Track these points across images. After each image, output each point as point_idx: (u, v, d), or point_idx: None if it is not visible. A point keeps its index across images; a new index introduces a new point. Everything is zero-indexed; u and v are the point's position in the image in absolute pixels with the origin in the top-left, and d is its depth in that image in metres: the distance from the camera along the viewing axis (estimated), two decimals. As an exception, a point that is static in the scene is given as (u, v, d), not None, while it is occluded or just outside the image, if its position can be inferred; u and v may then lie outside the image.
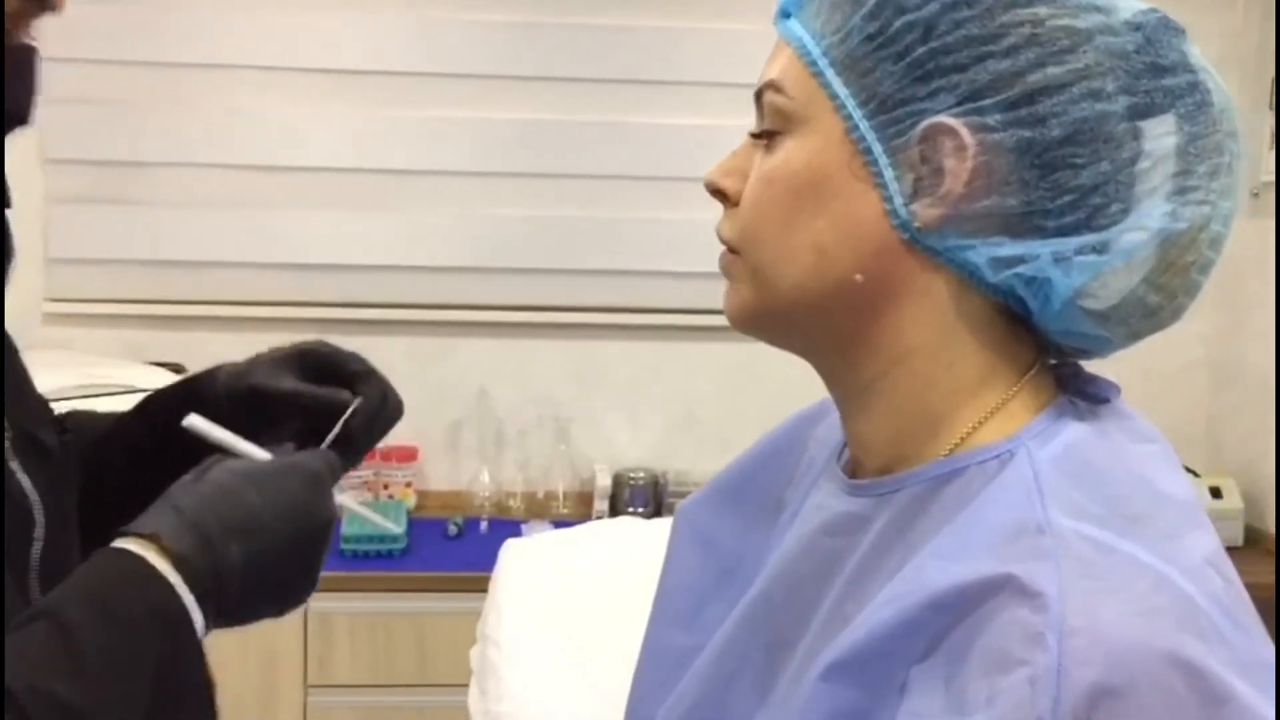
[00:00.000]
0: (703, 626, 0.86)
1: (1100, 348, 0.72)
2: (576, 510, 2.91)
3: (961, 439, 0.70)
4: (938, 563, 0.64)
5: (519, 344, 2.95)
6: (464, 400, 2.94)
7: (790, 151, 0.70)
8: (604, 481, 2.88)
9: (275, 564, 0.75)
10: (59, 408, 2.27)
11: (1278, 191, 2.81)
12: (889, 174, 0.67)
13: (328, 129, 2.82)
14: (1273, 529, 2.80)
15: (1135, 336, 0.71)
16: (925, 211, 0.67)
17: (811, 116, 0.70)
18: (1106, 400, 0.73)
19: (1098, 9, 0.67)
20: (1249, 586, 0.67)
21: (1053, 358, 0.75)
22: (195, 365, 2.70)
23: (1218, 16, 2.97)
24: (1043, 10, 0.65)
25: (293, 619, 2.71)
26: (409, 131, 2.84)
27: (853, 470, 0.78)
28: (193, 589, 0.70)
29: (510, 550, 1.52)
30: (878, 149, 0.67)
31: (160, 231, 2.80)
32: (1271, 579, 2.45)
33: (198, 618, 0.71)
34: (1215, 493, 2.78)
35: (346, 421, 0.90)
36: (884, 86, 0.67)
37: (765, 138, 0.72)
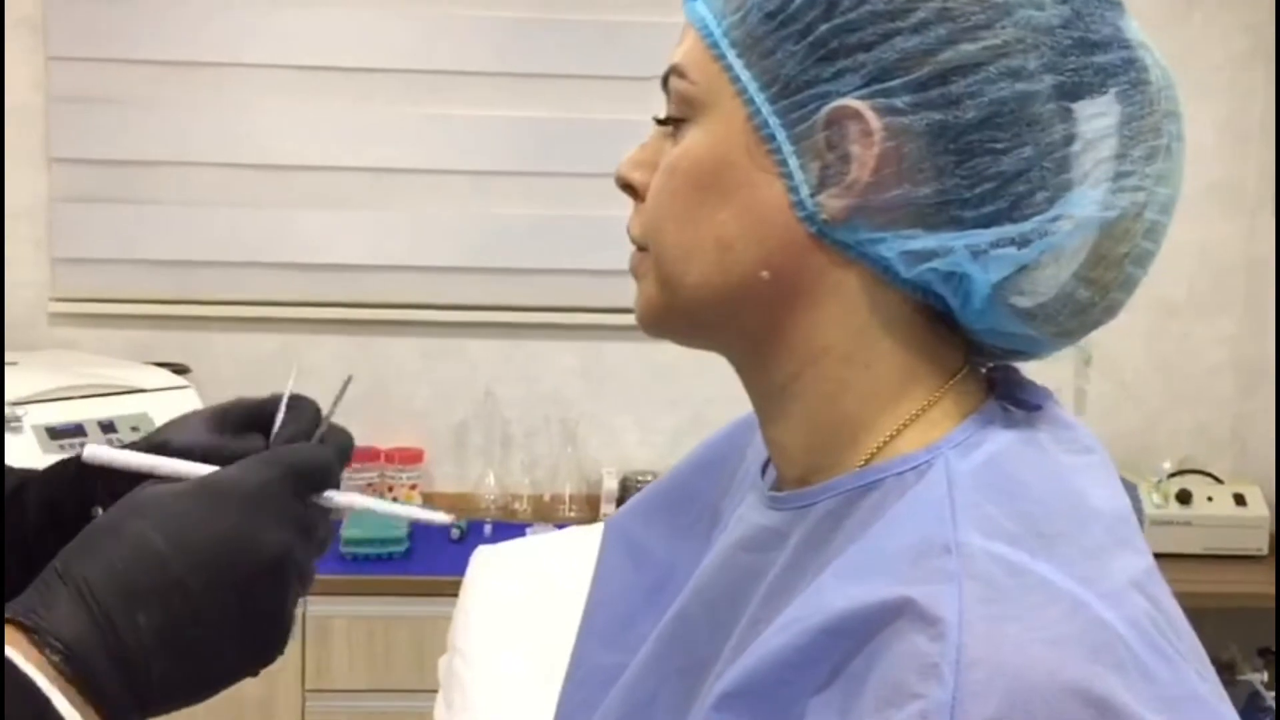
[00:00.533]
0: (630, 644, 0.81)
1: (1031, 348, 0.67)
2: (583, 513, 2.87)
3: (878, 448, 0.65)
4: (837, 584, 0.59)
5: (526, 344, 2.91)
6: (471, 401, 2.91)
7: (693, 139, 0.66)
8: (611, 485, 2.84)
9: (209, 624, 0.57)
10: (62, 408, 2.27)
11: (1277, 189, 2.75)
12: (793, 162, 0.62)
13: (334, 127, 2.80)
14: (1301, 537, 2.71)
15: (1065, 335, 0.65)
16: (831, 202, 0.61)
17: (714, 102, 0.65)
18: (1038, 407, 0.67)
19: None
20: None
21: (984, 360, 0.70)
22: (200, 365, 2.74)
23: (1243, 9, 2.88)
24: None
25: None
26: (416, 129, 2.81)
27: (779, 482, 0.73)
28: (82, 689, 0.54)
29: (481, 556, 1.48)
30: (781, 135, 0.62)
31: (165, 230, 2.79)
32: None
33: None
34: (1239, 500, 2.69)
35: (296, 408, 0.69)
36: (786, 68, 0.62)
37: (672, 125, 0.68)
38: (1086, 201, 0.60)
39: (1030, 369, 0.71)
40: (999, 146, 0.59)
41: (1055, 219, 0.60)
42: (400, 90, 2.80)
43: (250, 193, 2.80)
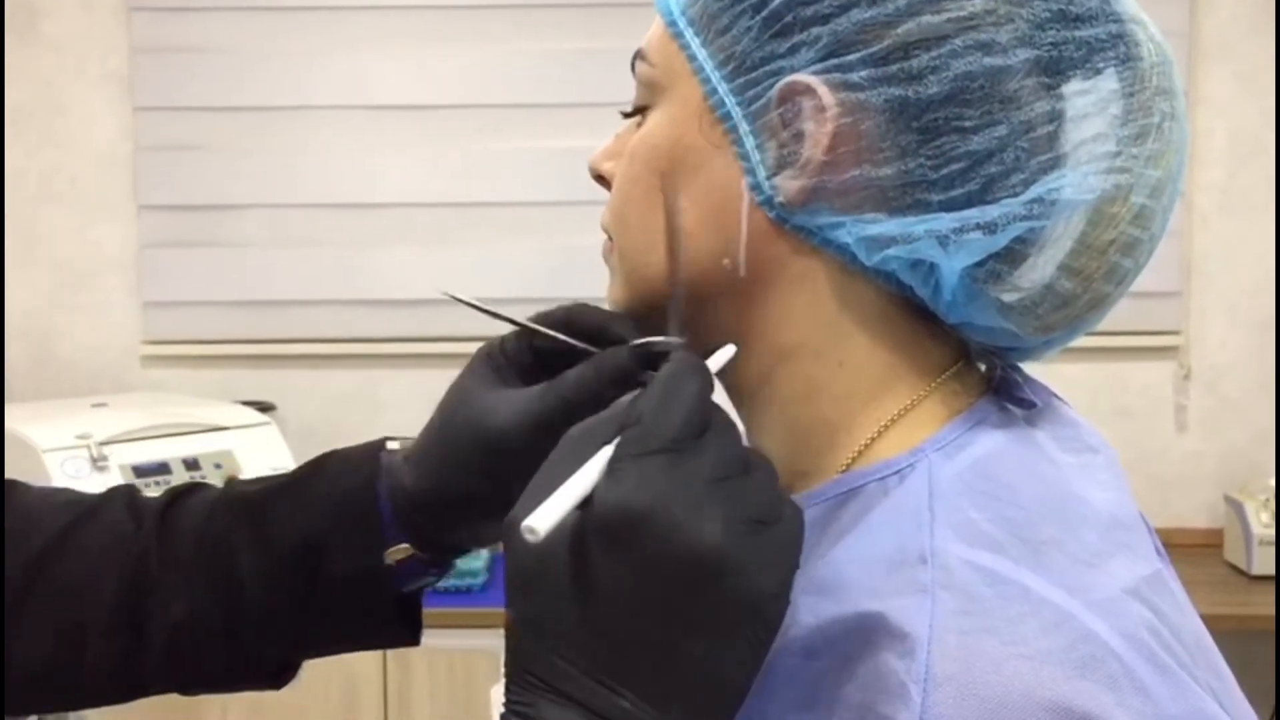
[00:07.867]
0: None
1: (1015, 345, 0.61)
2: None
3: (859, 452, 0.61)
4: (807, 599, 0.55)
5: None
6: (552, 433, 2.89)
7: (652, 123, 0.63)
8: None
9: (670, 645, 0.49)
10: (148, 447, 2.32)
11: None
12: (749, 142, 0.59)
13: (405, 165, 2.83)
14: None
15: (1047, 331, 0.60)
16: (788, 183, 0.58)
17: (672, 84, 0.62)
18: (1035, 405, 0.62)
19: None
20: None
21: (989, 360, 0.65)
22: (284, 402, 2.77)
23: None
24: None
25: (372, 655, 2.68)
26: (487, 164, 2.83)
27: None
28: None
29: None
30: (736, 114, 0.59)
31: (248, 272, 2.84)
32: None
33: None
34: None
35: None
36: (741, 44, 0.59)
37: (638, 115, 0.65)
38: (1063, 184, 0.56)
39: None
40: (967, 125, 0.55)
41: (1028, 203, 0.56)
42: (471, 125, 2.82)
43: (328, 232, 2.84)
